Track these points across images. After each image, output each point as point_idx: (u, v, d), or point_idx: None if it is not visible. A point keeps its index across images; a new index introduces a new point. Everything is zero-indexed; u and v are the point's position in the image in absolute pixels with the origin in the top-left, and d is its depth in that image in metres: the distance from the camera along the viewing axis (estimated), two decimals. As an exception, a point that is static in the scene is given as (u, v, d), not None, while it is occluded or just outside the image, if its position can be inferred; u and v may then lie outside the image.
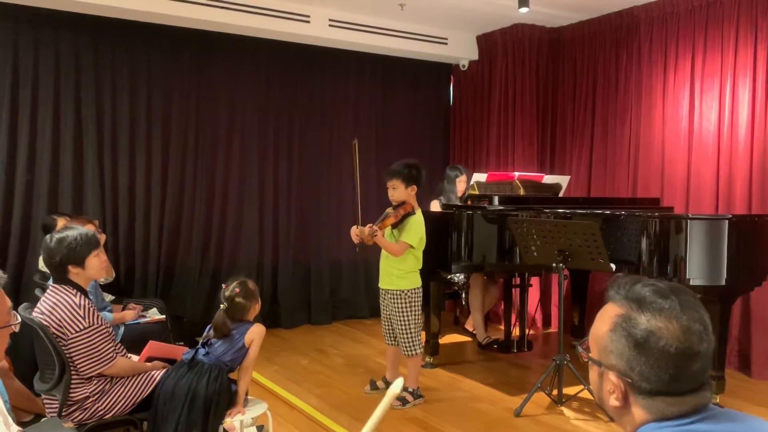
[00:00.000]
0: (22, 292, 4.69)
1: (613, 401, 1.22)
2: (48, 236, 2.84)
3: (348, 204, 6.44)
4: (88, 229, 2.99)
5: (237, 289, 2.99)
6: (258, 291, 3.09)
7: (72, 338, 2.69)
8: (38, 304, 2.78)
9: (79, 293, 2.78)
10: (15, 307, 1.84)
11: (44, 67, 5.04)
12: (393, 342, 4.14)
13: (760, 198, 4.68)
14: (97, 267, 2.88)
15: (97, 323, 2.75)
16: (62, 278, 2.80)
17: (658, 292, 1.20)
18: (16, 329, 1.79)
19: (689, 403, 1.17)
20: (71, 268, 2.79)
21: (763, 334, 4.67)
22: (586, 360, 1.29)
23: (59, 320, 2.69)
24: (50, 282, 2.93)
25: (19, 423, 2.40)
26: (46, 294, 2.81)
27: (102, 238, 4.33)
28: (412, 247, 3.94)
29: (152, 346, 3.10)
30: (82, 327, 2.70)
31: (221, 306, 2.99)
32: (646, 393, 1.18)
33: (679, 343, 1.15)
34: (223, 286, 3.05)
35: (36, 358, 2.92)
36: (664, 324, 1.16)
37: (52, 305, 2.72)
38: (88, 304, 2.78)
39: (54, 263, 2.79)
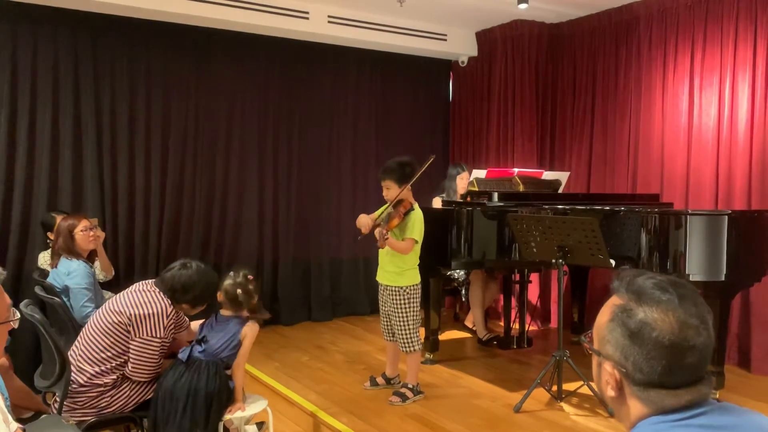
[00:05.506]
0: (22, 289, 4.70)
1: (610, 391, 1.25)
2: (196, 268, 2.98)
3: (348, 201, 6.44)
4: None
5: (251, 276, 3.05)
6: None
7: (140, 339, 2.75)
8: (124, 293, 2.87)
9: (170, 305, 2.88)
10: (15, 304, 1.84)
11: (43, 64, 5.02)
12: (392, 338, 4.15)
13: (759, 193, 4.68)
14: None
15: (168, 338, 2.86)
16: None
17: (658, 286, 1.22)
18: (15, 326, 1.79)
19: (684, 397, 1.18)
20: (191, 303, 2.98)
21: (763, 330, 4.68)
22: (589, 351, 1.31)
23: (140, 316, 2.74)
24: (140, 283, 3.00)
25: (19, 420, 2.40)
26: (141, 288, 2.88)
27: (101, 235, 4.34)
28: (416, 242, 3.95)
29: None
30: (157, 335, 2.79)
31: (230, 281, 3.02)
32: (640, 384, 1.19)
33: (672, 336, 1.16)
34: (232, 273, 3.07)
35: (41, 354, 2.93)
36: (660, 316, 1.18)
37: (143, 301, 2.80)
38: (174, 316, 2.87)
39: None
